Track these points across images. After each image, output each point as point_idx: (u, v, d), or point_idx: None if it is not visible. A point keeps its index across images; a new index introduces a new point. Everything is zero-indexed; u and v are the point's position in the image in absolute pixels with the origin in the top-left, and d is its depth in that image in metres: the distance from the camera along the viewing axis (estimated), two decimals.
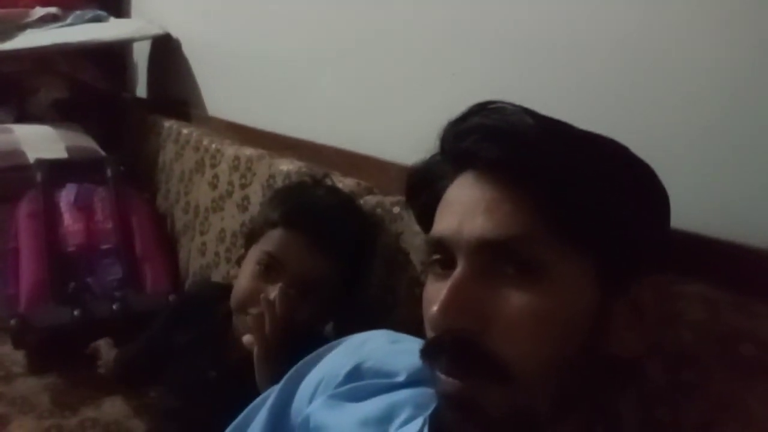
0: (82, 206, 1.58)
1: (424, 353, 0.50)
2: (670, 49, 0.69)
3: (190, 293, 1.26)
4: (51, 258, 1.46)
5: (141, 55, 2.25)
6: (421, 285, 0.83)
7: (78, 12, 2.04)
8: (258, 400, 0.70)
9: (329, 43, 1.28)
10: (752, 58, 0.62)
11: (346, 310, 0.95)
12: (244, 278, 0.90)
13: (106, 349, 1.24)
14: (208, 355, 0.96)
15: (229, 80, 1.68)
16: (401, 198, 0.93)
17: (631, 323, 0.49)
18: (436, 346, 0.48)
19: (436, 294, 0.48)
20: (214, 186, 1.39)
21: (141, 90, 2.30)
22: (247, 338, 0.84)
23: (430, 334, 0.50)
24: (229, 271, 1.29)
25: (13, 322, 1.33)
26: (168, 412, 0.99)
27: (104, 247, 1.53)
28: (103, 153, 1.85)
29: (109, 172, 1.67)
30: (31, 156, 1.71)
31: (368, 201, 0.98)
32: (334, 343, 0.69)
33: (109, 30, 2.04)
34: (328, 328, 0.97)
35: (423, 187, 0.56)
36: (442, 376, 0.48)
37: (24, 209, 1.57)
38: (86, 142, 1.89)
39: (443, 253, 0.50)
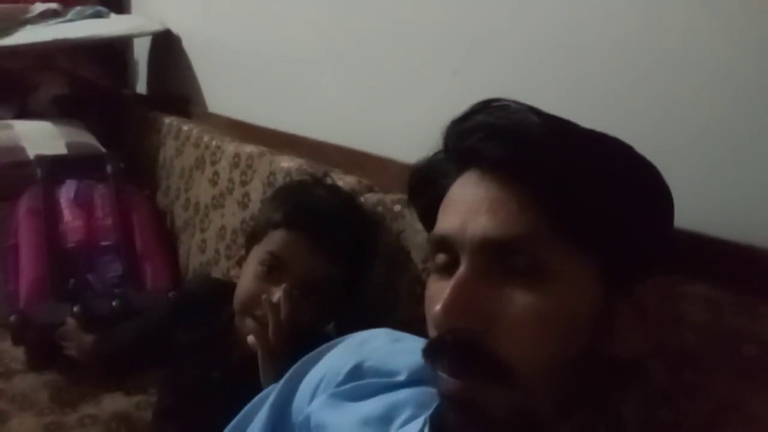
0: (82, 203, 1.58)
1: (427, 353, 0.50)
2: (671, 48, 0.69)
3: (191, 290, 1.26)
4: (51, 255, 1.45)
5: (141, 51, 2.25)
6: (422, 283, 0.84)
7: (78, 8, 2.03)
8: (258, 398, 0.70)
9: (330, 40, 1.27)
10: (753, 57, 0.62)
11: (348, 309, 0.95)
12: (246, 280, 0.90)
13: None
14: (211, 356, 0.95)
15: (229, 77, 1.68)
16: (402, 196, 0.93)
17: (634, 324, 0.48)
18: (439, 345, 0.48)
19: (438, 293, 0.48)
20: (214, 183, 1.39)
21: (141, 86, 2.30)
22: (251, 339, 0.84)
23: (432, 333, 0.50)
24: (229, 268, 1.28)
25: (12, 318, 1.33)
26: (169, 412, 0.99)
27: (104, 243, 1.52)
28: (103, 149, 1.84)
29: (109, 169, 1.67)
30: (31, 152, 1.71)
31: (369, 199, 0.98)
32: (334, 341, 0.69)
33: (109, 26, 2.03)
34: (330, 327, 0.97)
35: (426, 185, 0.56)
36: (445, 376, 0.48)
37: (24, 205, 1.56)
38: (86, 139, 1.89)
39: (446, 252, 0.50)
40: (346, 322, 0.94)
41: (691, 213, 0.57)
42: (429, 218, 0.54)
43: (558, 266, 0.46)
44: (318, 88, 1.30)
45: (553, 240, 0.46)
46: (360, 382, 0.61)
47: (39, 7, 1.99)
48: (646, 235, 0.48)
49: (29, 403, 1.21)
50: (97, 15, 2.05)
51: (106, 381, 1.25)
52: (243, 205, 1.27)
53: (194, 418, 0.92)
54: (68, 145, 1.80)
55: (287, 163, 1.17)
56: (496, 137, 0.47)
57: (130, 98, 2.27)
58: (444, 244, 0.50)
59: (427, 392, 0.57)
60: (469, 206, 0.48)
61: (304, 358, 0.68)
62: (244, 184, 1.28)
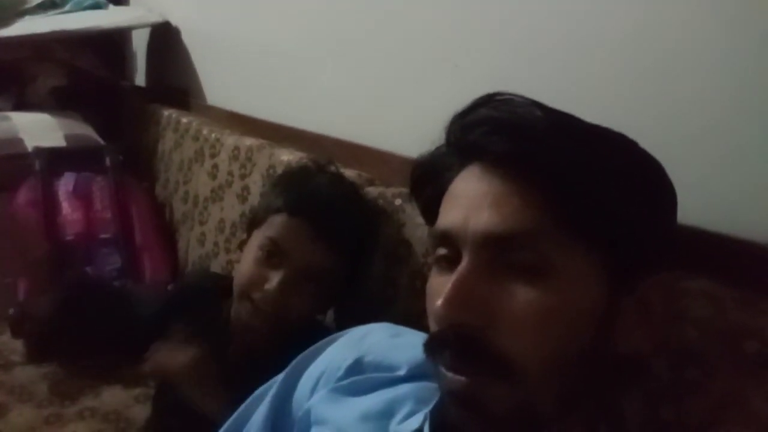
0: (81, 195, 1.57)
1: (428, 348, 0.50)
2: (671, 46, 0.68)
3: (189, 284, 1.25)
4: (49, 247, 1.45)
5: (140, 43, 2.23)
6: (422, 278, 0.83)
7: None
8: (258, 392, 0.70)
9: (330, 32, 1.27)
10: (753, 55, 0.61)
11: (347, 302, 0.94)
12: (246, 264, 0.90)
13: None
14: (208, 349, 0.95)
15: (229, 69, 1.67)
16: (403, 189, 0.92)
17: (637, 322, 0.48)
18: (440, 340, 0.48)
19: (440, 288, 0.47)
20: (213, 176, 1.39)
21: (140, 78, 2.29)
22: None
23: (433, 328, 0.49)
24: (229, 259, 1.28)
25: (11, 311, 1.33)
26: (168, 406, 0.99)
27: (103, 236, 1.52)
28: (101, 141, 1.84)
29: (107, 161, 1.67)
30: (30, 144, 1.71)
31: (369, 192, 0.97)
32: (334, 335, 0.68)
33: (108, 17, 2.02)
34: (329, 320, 0.97)
35: (428, 179, 0.56)
36: (445, 372, 0.47)
37: (22, 197, 1.56)
38: (85, 131, 1.88)
39: (448, 247, 0.49)
40: (346, 316, 0.94)
41: (693, 208, 0.57)
42: (431, 212, 0.54)
43: (561, 262, 0.45)
44: (318, 81, 1.30)
45: (556, 235, 0.45)
46: (360, 377, 0.61)
47: None
48: (650, 232, 0.48)
49: (28, 395, 1.20)
50: (96, 6, 2.04)
51: (105, 374, 1.25)
52: (242, 198, 1.26)
53: (193, 411, 0.92)
54: (67, 137, 1.79)
55: (287, 156, 1.16)
56: (499, 131, 0.47)
57: (129, 90, 2.26)
58: (446, 239, 0.49)
59: (427, 387, 0.57)
60: (471, 201, 0.48)
61: (305, 353, 0.68)
62: (243, 177, 1.27)
